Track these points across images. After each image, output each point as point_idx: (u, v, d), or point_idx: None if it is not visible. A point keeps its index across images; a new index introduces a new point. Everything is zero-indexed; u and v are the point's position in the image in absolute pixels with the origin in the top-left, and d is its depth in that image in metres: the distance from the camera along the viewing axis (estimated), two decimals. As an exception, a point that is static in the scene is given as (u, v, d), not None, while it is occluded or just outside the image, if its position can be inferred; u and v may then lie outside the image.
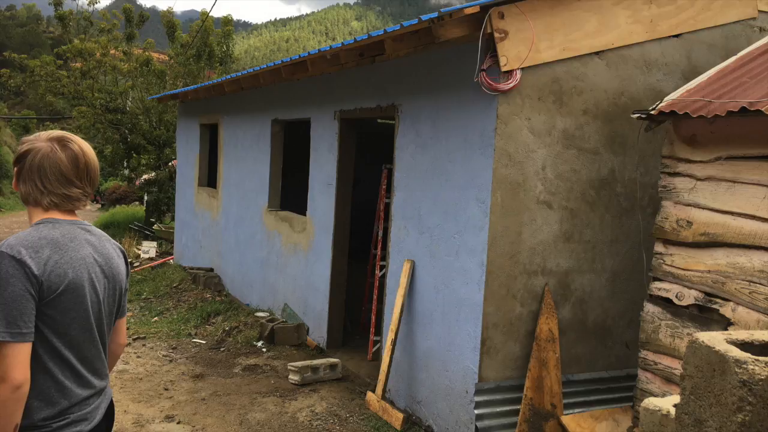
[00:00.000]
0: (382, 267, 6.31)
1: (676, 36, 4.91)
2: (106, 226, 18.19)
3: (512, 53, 4.24)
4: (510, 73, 4.27)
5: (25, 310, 1.81)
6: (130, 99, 18.15)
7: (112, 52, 18.53)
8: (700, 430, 1.52)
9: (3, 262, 1.81)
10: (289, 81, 7.24)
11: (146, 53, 18.46)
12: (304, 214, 7.21)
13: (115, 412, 2.27)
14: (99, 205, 30.59)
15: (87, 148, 2.07)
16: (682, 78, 4.92)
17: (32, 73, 18.37)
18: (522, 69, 4.32)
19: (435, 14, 4.16)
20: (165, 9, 20.11)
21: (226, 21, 20.09)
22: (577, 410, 4.73)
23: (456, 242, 4.71)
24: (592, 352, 4.91)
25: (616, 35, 4.64)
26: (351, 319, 7.35)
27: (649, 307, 4.15)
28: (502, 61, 4.21)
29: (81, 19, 20.68)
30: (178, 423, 5.01)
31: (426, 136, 5.08)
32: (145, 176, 19.49)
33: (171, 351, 6.95)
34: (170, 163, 17.63)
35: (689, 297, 3.90)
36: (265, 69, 7.03)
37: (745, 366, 1.44)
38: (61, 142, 2.01)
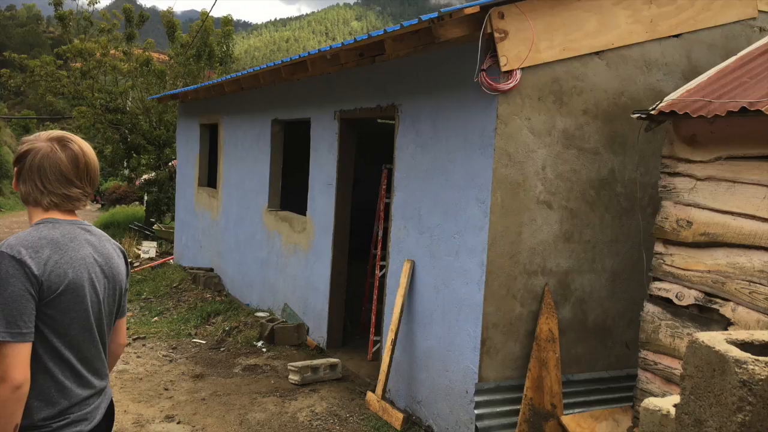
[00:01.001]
0: (382, 267, 6.31)
1: (676, 36, 4.91)
2: (106, 226, 18.18)
3: (512, 53, 4.24)
4: (510, 73, 4.27)
5: (25, 310, 1.81)
6: (130, 99, 18.14)
7: (112, 52, 18.52)
8: (700, 430, 1.52)
9: (3, 262, 1.81)
10: (289, 81, 7.24)
11: (146, 53, 18.46)
12: (304, 214, 7.21)
13: (115, 412, 2.27)
14: (99, 205, 30.58)
15: (87, 148, 2.07)
16: (682, 78, 4.92)
17: (32, 73, 18.38)
18: (522, 69, 4.32)
19: (435, 14, 4.16)
20: (165, 9, 20.10)
21: (226, 21, 20.09)
22: (577, 410, 4.73)
23: (456, 242, 4.71)
24: (592, 352, 4.91)
25: (616, 35, 4.64)
26: (351, 319, 7.35)
27: (649, 307, 4.15)
28: (502, 61, 4.21)
29: (81, 19, 20.68)
30: (178, 423, 5.01)
31: (426, 136, 5.08)
32: (145, 176, 19.48)
33: (171, 351, 6.95)
34: (170, 163, 17.62)
35: (689, 297, 3.90)
36: (265, 69, 7.03)
37: (745, 366, 1.44)
38: (61, 142, 2.01)
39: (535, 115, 4.44)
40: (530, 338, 4.56)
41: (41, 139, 2.02)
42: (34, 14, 63.17)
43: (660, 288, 4.09)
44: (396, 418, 4.99)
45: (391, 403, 5.36)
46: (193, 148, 11.21)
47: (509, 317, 4.50)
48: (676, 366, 3.91)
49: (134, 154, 18.33)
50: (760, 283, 3.52)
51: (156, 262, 12.38)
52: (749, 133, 3.62)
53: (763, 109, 3.37)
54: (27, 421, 1.86)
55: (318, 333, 6.90)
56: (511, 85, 4.28)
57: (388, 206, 5.97)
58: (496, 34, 4.18)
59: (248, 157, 8.81)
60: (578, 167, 4.66)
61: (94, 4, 20.59)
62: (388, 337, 5.29)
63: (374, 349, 6.37)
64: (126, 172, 23.28)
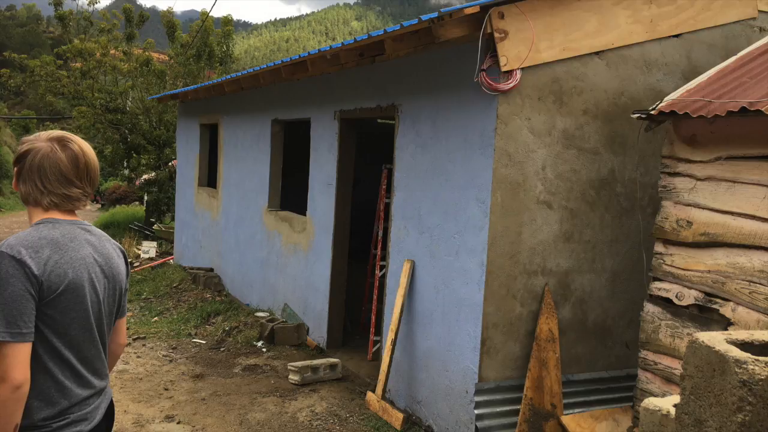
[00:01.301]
0: (382, 267, 6.31)
1: (676, 36, 4.91)
2: (106, 226, 18.18)
3: (512, 53, 4.24)
4: (510, 73, 4.27)
5: (25, 310, 1.81)
6: (130, 99, 18.14)
7: (112, 52, 18.53)
8: (700, 430, 1.52)
9: (3, 262, 1.81)
10: (289, 81, 7.24)
11: (146, 53, 18.46)
12: (304, 214, 7.21)
13: (115, 412, 2.27)
14: (99, 205, 30.58)
15: (87, 148, 2.07)
16: (682, 78, 4.92)
17: (32, 73, 18.38)
18: (522, 69, 4.32)
19: (435, 14, 4.16)
20: (165, 9, 20.10)
21: (226, 21, 20.08)
22: (577, 410, 4.73)
23: (456, 242, 4.71)
24: (592, 352, 4.91)
25: (616, 35, 4.64)
26: (351, 319, 7.35)
27: (649, 307, 4.15)
28: (502, 61, 4.21)
29: (81, 19, 20.69)
30: (178, 423, 5.01)
31: (426, 136, 5.08)
32: (145, 176, 19.48)
33: (171, 351, 6.95)
34: (170, 163, 17.62)
35: (689, 297, 3.90)
36: (265, 69, 7.03)
37: (745, 366, 1.44)
38: (61, 142, 2.01)
39: (535, 115, 4.44)
40: (530, 338, 4.56)
41: (41, 139, 2.02)
42: (34, 14, 63.16)
43: (660, 288, 4.09)
44: (396, 418, 4.99)
45: (391, 403, 5.36)
46: (193, 148, 11.21)
47: (509, 317, 4.50)
48: (676, 366, 3.91)
49: (134, 154, 18.33)
50: (760, 283, 3.52)
51: (156, 262, 12.37)
52: (749, 133, 3.62)
53: (763, 109, 3.37)
54: (27, 421, 1.86)
55: (318, 333, 6.90)
56: (511, 85, 4.28)
57: (388, 206, 5.97)
58: (496, 34, 4.18)
59: (248, 157, 8.81)
60: (578, 167, 4.66)
61: (94, 4, 20.62)
62: (388, 337, 5.29)
63: (374, 349, 6.37)
64: (126, 172, 23.29)
